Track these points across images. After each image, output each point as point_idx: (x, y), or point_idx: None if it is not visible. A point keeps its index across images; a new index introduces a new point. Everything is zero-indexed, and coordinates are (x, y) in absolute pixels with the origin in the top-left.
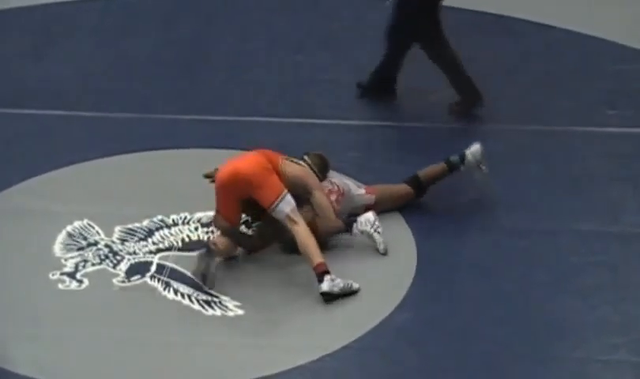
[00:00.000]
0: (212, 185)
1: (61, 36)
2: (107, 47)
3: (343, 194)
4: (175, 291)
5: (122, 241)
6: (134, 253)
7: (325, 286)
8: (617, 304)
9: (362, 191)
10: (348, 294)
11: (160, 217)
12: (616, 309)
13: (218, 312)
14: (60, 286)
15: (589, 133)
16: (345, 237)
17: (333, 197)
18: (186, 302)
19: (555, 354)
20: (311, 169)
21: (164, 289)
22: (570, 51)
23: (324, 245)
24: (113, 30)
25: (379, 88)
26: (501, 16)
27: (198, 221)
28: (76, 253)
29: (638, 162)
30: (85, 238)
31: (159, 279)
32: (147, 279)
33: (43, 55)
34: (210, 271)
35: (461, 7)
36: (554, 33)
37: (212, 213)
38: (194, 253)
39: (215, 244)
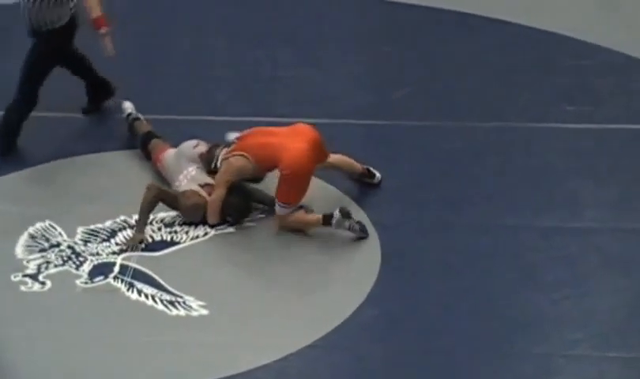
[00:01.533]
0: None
1: (21, 36)
2: None
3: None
4: (139, 292)
5: (85, 242)
6: (97, 254)
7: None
8: (578, 299)
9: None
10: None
11: (122, 218)
12: (577, 305)
13: (182, 312)
14: (22, 288)
15: (548, 129)
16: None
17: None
18: (150, 302)
19: (517, 349)
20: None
21: (128, 290)
22: (528, 47)
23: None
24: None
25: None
26: (458, 13)
27: (161, 221)
28: (38, 255)
29: (598, 157)
30: (47, 240)
31: (122, 280)
32: (110, 279)
33: (2, 55)
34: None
35: (417, 4)
36: (511, 29)
37: (174, 213)
38: (159, 253)
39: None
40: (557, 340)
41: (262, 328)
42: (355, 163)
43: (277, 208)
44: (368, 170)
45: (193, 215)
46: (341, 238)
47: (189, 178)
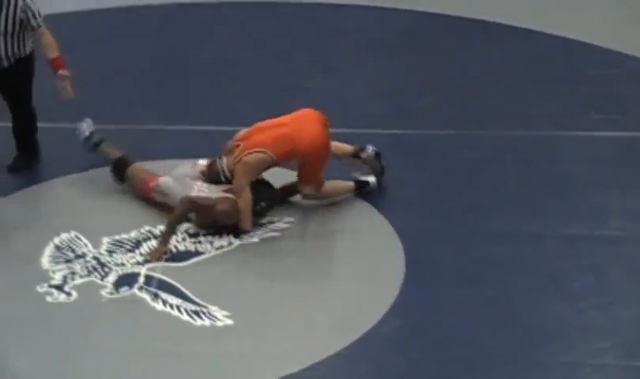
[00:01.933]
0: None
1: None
2: (90, 59)
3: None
4: (164, 302)
5: (110, 252)
6: (122, 264)
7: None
8: (604, 308)
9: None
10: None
11: (147, 228)
12: (603, 313)
13: (207, 322)
14: (48, 298)
15: (574, 138)
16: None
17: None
18: (175, 312)
19: (542, 358)
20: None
21: (153, 300)
22: (554, 56)
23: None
24: (95, 41)
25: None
26: (482, 22)
27: (186, 231)
28: (64, 266)
29: (624, 166)
30: (73, 250)
31: (147, 291)
32: (135, 290)
33: None
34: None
35: (444, 13)
36: (536, 37)
37: None
38: (184, 264)
39: None
40: (582, 349)
41: (287, 337)
42: (343, 145)
43: (303, 190)
44: (360, 148)
45: (230, 218)
46: (366, 247)
47: (205, 190)
